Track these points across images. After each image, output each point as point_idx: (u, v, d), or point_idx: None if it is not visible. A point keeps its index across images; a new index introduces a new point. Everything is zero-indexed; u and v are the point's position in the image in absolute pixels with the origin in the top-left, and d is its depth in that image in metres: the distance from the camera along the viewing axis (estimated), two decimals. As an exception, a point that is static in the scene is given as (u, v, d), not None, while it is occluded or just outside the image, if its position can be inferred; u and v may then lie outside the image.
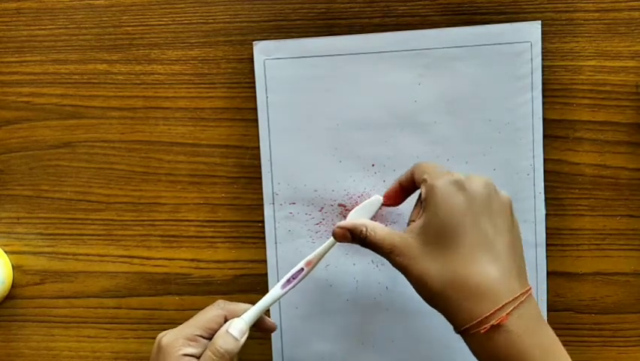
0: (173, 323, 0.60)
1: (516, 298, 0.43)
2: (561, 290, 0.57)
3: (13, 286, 0.61)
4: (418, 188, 0.50)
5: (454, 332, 0.45)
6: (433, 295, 0.44)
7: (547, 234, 0.56)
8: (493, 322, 0.42)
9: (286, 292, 0.52)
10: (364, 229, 0.48)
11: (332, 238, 0.51)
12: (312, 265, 0.52)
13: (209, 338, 0.49)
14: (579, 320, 0.58)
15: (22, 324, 0.62)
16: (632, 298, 0.57)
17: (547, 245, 0.57)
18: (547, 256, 0.57)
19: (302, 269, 0.52)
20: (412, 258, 0.45)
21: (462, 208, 0.45)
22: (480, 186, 0.46)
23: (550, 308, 0.57)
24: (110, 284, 0.60)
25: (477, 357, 0.44)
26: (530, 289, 0.44)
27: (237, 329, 0.49)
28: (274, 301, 0.51)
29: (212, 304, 0.52)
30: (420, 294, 0.46)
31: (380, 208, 0.53)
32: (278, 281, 0.53)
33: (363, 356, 0.58)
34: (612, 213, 0.57)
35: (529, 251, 0.56)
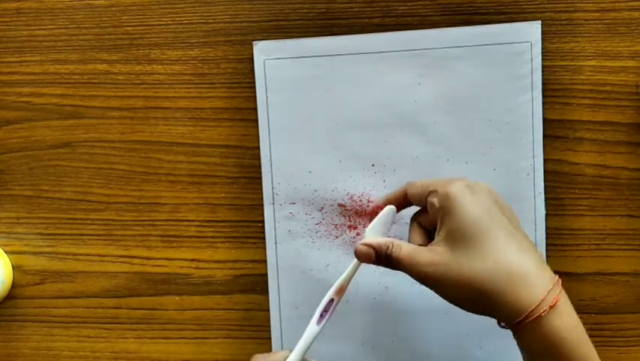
0: (173, 323, 0.60)
1: (557, 281, 0.44)
2: (561, 290, 0.57)
3: (13, 286, 0.61)
4: (406, 206, 0.50)
5: (499, 327, 0.45)
6: (478, 293, 0.44)
7: (547, 234, 0.56)
8: (551, 303, 0.42)
9: (322, 327, 0.49)
10: (390, 245, 0.47)
11: (355, 261, 0.50)
12: (342, 293, 0.50)
13: None
14: (579, 320, 0.58)
15: (22, 324, 0.61)
16: (632, 298, 0.57)
17: (547, 245, 0.56)
18: (547, 256, 0.57)
19: (332, 300, 0.50)
20: (445, 265, 0.45)
21: (482, 207, 0.45)
22: (487, 190, 0.47)
23: (550, 308, 0.57)
24: (110, 284, 0.60)
25: (530, 350, 0.44)
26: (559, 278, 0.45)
27: None
28: (312, 341, 0.49)
29: None
30: (459, 300, 0.45)
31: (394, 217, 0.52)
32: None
33: (363, 357, 0.58)
34: (612, 213, 0.57)
35: (529, 251, 0.56)
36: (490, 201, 0.46)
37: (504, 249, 0.44)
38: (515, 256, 0.44)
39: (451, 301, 0.45)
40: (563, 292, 0.44)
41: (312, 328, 0.49)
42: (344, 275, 0.50)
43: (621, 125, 0.56)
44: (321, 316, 0.50)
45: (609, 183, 0.56)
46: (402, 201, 0.51)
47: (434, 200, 0.47)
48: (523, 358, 0.45)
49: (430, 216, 0.48)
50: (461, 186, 0.46)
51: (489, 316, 0.44)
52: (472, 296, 0.44)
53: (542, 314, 0.42)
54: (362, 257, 0.49)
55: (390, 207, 0.51)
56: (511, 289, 0.43)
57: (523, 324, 0.43)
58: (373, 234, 0.50)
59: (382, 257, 0.48)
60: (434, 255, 0.45)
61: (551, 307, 0.42)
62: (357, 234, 0.57)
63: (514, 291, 0.43)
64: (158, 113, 0.59)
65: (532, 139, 0.56)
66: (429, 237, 0.50)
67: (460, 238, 0.45)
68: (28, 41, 0.59)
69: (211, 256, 0.59)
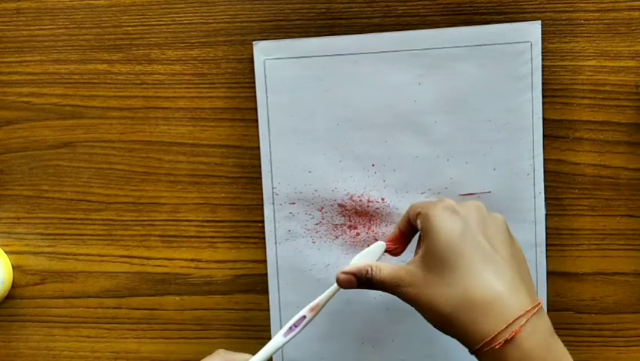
0: (173, 323, 0.60)
1: (527, 311, 0.43)
2: (561, 290, 0.57)
3: (13, 286, 0.61)
4: (417, 231, 0.50)
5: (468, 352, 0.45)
6: (444, 319, 0.44)
7: (547, 234, 0.56)
8: (507, 336, 0.42)
9: (288, 341, 0.50)
10: (369, 270, 0.48)
11: (335, 285, 0.50)
12: (316, 311, 0.50)
13: None
14: (579, 320, 0.58)
15: (22, 324, 0.62)
16: (632, 298, 0.57)
17: (547, 245, 0.57)
18: (547, 256, 0.57)
19: (304, 317, 0.50)
20: (418, 287, 0.46)
21: (458, 230, 0.45)
22: (472, 209, 0.47)
23: (550, 308, 0.57)
24: (110, 284, 0.60)
25: None
26: (540, 303, 0.44)
27: None
28: (275, 351, 0.50)
29: (212, 354, 0.51)
30: (431, 321, 0.46)
31: (383, 254, 0.52)
32: (280, 328, 0.51)
33: (363, 356, 0.58)
34: (612, 213, 0.57)
35: (529, 251, 0.56)
36: (470, 224, 0.46)
37: (472, 276, 0.44)
38: (484, 283, 0.44)
39: (427, 320, 0.46)
40: (538, 316, 0.43)
41: (279, 339, 0.50)
42: (322, 296, 0.51)
43: (621, 125, 0.56)
44: (290, 329, 0.50)
45: (609, 183, 0.56)
46: (409, 225, 0.51)
47: (418, 221, 0.48)
48: None
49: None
50: (442, 209, 0.47)
51: (457, 339, 0.45)
52: (439, 320, 0.45)
53: (496, 347, 0.42)
54: (344, 284, 0.49)
55: (381, 243, 0.52)
56: (471, 319, 0.43)
57: (481, 353, 0.43)
58: (358, 262, 0.51)
59: (363, 281, 0.48)
60: (410, 276, 0.46)
61: (507, 341, 0.42)
62: (357, 234, 0.57)
63: (473, 321, 0.43)
64: (158, 113, 0.59)
65: (532, 139, 0.56)
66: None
67: (433, 261, 0.45)
68: (28, 41, 0.59)
69: (211, 256, 0.59)
